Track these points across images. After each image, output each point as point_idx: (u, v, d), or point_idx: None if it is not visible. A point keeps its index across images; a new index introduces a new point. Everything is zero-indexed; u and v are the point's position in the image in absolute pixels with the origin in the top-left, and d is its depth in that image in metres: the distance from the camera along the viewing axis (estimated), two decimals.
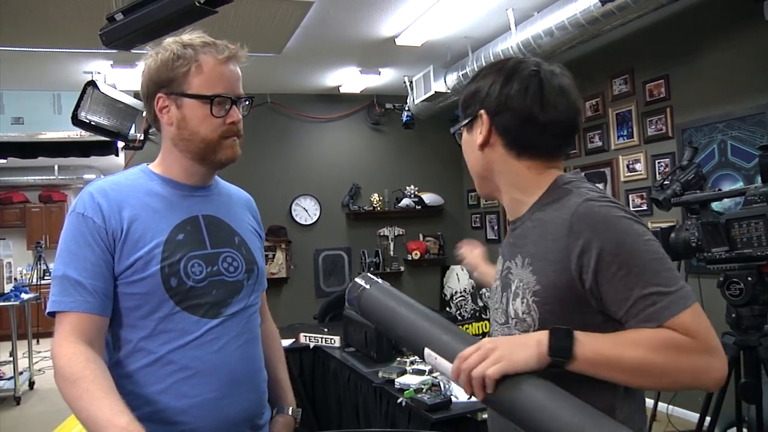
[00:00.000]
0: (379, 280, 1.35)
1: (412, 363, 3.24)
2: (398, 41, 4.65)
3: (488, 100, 1.25)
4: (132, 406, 1.19)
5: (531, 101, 1.20)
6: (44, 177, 9.90)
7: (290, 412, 1.60)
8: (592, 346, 1.07)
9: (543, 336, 1.09)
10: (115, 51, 2.13)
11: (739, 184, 3.70)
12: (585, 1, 3.57)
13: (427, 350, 1.19)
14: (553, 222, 1.17)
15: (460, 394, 2.78)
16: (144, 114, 1.53)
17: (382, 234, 6.67)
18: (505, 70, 1.25)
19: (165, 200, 1.42)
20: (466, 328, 6.13)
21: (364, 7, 4.01)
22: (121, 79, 5.28)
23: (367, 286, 1.33)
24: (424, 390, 2.87)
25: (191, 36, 1.41)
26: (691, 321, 1.05)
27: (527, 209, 1.26)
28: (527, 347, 1.09)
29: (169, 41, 1.41)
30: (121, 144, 5.90)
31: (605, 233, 1.09)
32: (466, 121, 1.30)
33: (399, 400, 2.83)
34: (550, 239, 1.16)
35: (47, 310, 1.30)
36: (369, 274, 1.37)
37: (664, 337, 1.04)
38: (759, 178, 3.46)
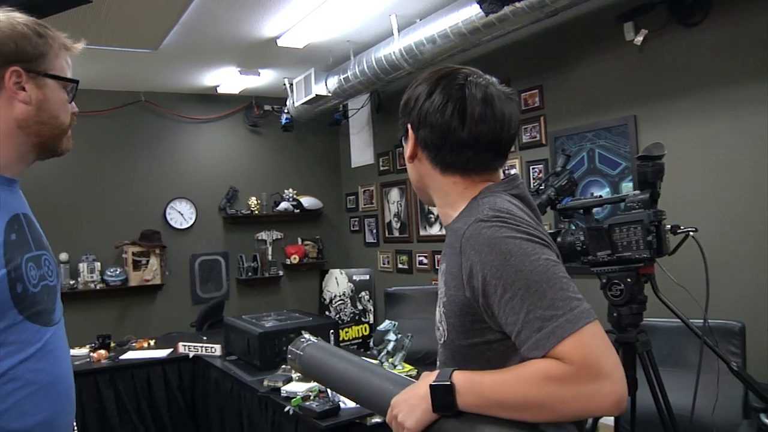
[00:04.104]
0: (314, 339, 1.34)
1: None
2: (280, 42, 4.58)
3: (413, 113, 1.25)
4: None
5: (450, 116, 1.18)
6: None
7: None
8: (474, 393, 1.07)
9: (428, 390, 1.10)
10: None
11: (606, 190, 3.94)
12: (467, 11, 3.66)
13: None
14: (453, 240, 1.17)
15: (347, 400, 2.76)
16: None
17: (260, 238, 6.53)
18: (432, 81, 1.24)
19: None
20: (346, 332, 6.15)
21: (247, 6, 3.90)
22: None
23: (303, 351, 1.31)
24: (311, 397, 2.82)
25: (22, 16, 1.28)
26: (577, 346, 0.99)
27: (452, 220, 1.25)
28: (418, 406, 1.11)
29: (11, 16, 1.26)
30: None
31: (488, 256, 1.07)
32: (402, 132, 1.30)
33: (286, 409, 2.77)
34: (453, 255, 1.16)
35: None
36: (303, 337, 1.35)
37: (543, 371, 1.00)
38: (623, 186, 3.73)
